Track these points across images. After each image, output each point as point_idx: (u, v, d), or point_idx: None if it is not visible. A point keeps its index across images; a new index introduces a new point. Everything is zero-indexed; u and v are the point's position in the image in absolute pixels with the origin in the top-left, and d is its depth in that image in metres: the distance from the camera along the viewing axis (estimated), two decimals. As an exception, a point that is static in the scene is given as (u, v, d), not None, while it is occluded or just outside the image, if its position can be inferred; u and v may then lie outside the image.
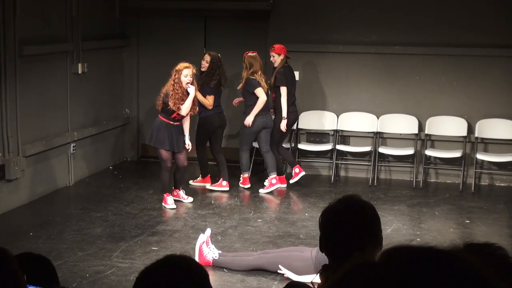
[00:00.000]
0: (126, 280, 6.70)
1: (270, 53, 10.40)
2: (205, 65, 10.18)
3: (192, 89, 9.28)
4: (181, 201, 9.57)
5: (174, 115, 9.27)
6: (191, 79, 9.30)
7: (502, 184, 10.76)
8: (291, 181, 10.49)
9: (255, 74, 10.01)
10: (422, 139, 10.89)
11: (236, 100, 10.62)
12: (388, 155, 11.03)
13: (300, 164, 10.69)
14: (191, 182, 10.55)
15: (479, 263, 0.99)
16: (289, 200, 9.80)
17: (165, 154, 9.27)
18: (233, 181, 10.42)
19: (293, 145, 11.19)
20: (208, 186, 10.36)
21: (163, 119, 9.30)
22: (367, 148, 10.96)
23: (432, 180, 11.02)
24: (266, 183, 10.32)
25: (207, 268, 6.90)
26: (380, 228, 3.02)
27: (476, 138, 10.66)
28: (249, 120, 10.00)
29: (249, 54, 10.13)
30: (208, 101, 10.04)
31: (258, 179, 10.85)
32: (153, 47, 12.14)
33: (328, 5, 11.12)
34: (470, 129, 10.71)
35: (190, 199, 9.63)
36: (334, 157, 11.04)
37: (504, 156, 10.48)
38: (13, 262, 2.44)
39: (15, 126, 8.96)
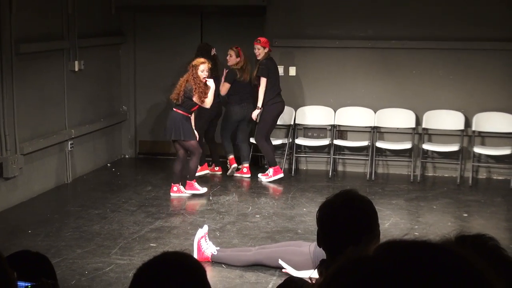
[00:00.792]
0: (125, 277, 6.71)
1: (255, 45, 10.50)
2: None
3: (211, 82, 9.65)
4: (181, 195, 9.69)
5: (195, 108, 9.65)
6: (208, 73, 9.61)
7: (500, 178, 10.78)
8: (263, 178, 10.58)
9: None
10: (420, 133, 10.90)
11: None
12: (386, 149, 11.04)
13: (287, 162, 10.71)
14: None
15: (473, 257, 0.99)
16: (287, 195, 9.81)
17: (195, 143, 9.65)
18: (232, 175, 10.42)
19: (290, 140, 11.20)
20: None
21: (183, 112, 9.55)
22: (365, 143, 10.96)
23: (430, 174, 11.03)
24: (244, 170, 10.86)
25: (205, 264, 6.94)
26: (378, 222, 3.03)
27: (473, 131, 10.67)
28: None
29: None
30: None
31: (256, 176, 10.86)
32: (150, 44, 12.14)
33: (324, 0, 11.11)
34: (467, 123, 10.72)
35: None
36: (331, 152, 11.05)
37: (502, 149, 10.49)
38: (1, 261, 2.44)
39: (12, 124, 8.95)
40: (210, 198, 9.65)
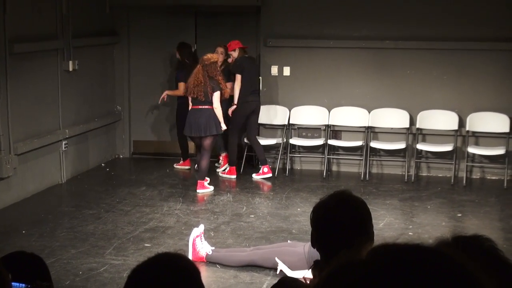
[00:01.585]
0: (119, 277, 6.70)
1: (229, 53, 10.77)
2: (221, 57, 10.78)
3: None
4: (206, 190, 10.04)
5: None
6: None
7: (494, 178, 10.80)
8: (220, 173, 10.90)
9: None
10: (414, 133, 10.91)
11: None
12: (380, 149, 11.05)
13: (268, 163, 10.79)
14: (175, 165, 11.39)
15: (466, 260, 1.00)
16: (281, 195, 9.81)
17: (212, 141, 10.01)
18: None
19: (284, 140, 11.20)
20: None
21: (211, 107, 9.77)
22: (359, 143, 10.98)
23: (424, 174, 11.05)
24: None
25: (200, 264, 6.95)
26: (372, 223, 3.04)
27: (467, 131, 10.69)
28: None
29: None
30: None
31: (250, 176, 10.88)
32: (144, 44, 12.13)
33: (318, 0, 11.12)
34: (461, 123, 10.74)
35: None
36: (326, 152, 11.06)
37: (495, 149, 10.51)
38: None
39: (6, 124, 8.94)
40: (205, 198, 9.65)
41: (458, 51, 10.75)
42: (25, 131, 9.41)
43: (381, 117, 10.98)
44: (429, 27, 10.79)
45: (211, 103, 9.74)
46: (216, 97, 9.75)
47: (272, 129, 11.43)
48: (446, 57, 10.81)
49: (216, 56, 10.04)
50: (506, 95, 10.65)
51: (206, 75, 9.70)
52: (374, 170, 11.19)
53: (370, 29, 11.01)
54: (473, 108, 10.70)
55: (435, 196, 9.81)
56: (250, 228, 8.34)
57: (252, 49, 11.67)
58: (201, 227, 7.39)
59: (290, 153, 11.25)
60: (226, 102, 10.46)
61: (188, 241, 7.27)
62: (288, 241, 7.44)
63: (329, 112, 11.12)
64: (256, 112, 10.85)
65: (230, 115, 10.67)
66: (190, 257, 7.00)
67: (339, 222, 2.92)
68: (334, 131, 11.25)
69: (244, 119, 10.75)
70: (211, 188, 10.02)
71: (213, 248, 7.27)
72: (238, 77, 10.56)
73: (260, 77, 11.42)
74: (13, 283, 2.54)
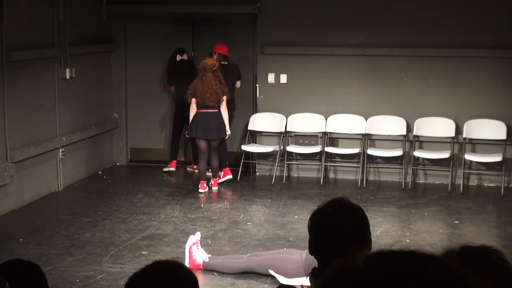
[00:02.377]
0: (116, 285, 6.69)
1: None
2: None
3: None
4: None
5: None
6: None
7: (491, 185, 10.81)
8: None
9: None
10: (411, 140, 10.92)
11: None
12: (377, 156, 11.06)
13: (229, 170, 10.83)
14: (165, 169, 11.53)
15: (461, 267, 1.00)
16: (278, 202, 9.81)
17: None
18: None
19: (281, 147, 11.21)
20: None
21: (219, 111, 10.19)
22: (356, 150, 10.98)
23: (421, 181, 11.05)
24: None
25: (197, 271, 6.94)
26: (369, 230, 3.03)
27: (464, 138, 10.70)
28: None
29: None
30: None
31: (247, 183, 10.88)
32: (141, 52, 12.13)
33: (315, 8, 11.14)
34: (458, 130, 10.75)
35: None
36: (323, 159, 11.06)
37: (492, 156, 10.52)
38: None
39: (3, 131, 8.93)
40: (202, 205, 9.64)
41: (454, 58, 10.77)
42: (22, 139, 9.40)
43: (378, 124, 10.99)
44: (425, 34, 10.81)
45: (218, 107, 10.12)
46: (225, 100, 10.19)
47: (269, 136, 11.43)
48: (442, 64, 10.83)
49: (217, 62, 10.31)
50: (503, 102, 10.67)
51: (218, 80, 10.05)
52: (371, 177, 11.19)
53: (367, 37, 11.03)
54: (470, 115, 10.72)
55: (432, 203, 9.81)
56: (247, 235, 8.33)
57: (249, 57, 11.70)
58: (198, 235, 7.38)
59: (287, 161, 11.26)
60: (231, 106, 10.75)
61: (185, 248, 7.26)
62: (285, 249, 7.44)
63: (326, 119, 11.13)
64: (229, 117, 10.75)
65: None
66: (186, 264, 6.99)
67: (336, 230, 2.92)
68: (331, 139, 11.25)
69: None
70: (228, 176, 10.72)
71: (210, 255, 7.26)
72: None
73: (257, 85, 11.44)
74: None
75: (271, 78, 11.37)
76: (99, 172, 11.57)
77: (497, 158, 10.44)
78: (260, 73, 11.42)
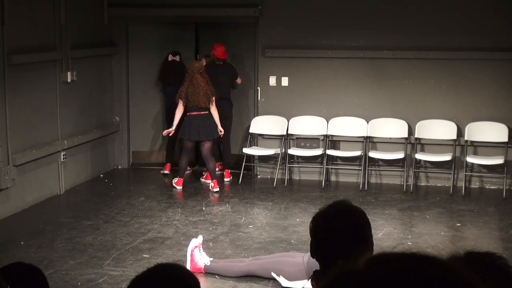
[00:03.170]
0: (118, 288, 6.69)
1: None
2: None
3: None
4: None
5: None
6: None
7: (492, 187, 10.80)
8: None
9: None
10: (412, 143, 10.92)
11: None
12: (378, 159, 11.06)
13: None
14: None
15: (465, 270, 0.99)
16: (280, 205, 9.80)
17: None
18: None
19: (283, 150, 11.20)
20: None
21: (210, 112, 10.45)
22: (357, 153, 10.97)
23: (423, 184, 11.05)
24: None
25: (199, 275, 6.94)
26: (371, 233, 3.03)
27: (466, 141, 10.69)
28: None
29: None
30: None
31: (248, 186, 10.89)
32: (142, 55, 12.14)
33: (316, 11, 11.14)
34: (460, 132, 10.74)
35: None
36: (324, 162, 11.05)
37: (494, 158, 10.51)
38: None
39: (4, 135, 8.94)
40: (203, 208, 9.64)
41: (456, 61, 10.77)
42: (23, 142, 9.40)
43: (379, 127, 10.99)
44: (427, 37, 10.81)
45: (208, 109, 10.34)
46: (214, 101, 10.43)
47: (270, 139, 11.43)
48: (444, 67, 10.83)
49: (202, 64, 10.77)
50: (505, 104, 10.67)
51: (206, 82, 10.26)
52: (373, 180, 11.18)
53: (368, 39, 11.03)
54: (472, 118, 10.71)
55: (434, 206, 9.80)
56: (249, 238, 8.33)
57: (251, 59, 11.70)
58: (200, 238, 7.38)
59: (288, 163, 11.25)
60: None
61: (186, 252, 7.25)
62: (286, 252, 7.43)
63: (328, 122, 11.13)
64: (224, 116, 11.01)
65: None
66: (188, 268, 6.99)
67: (338, 232, 2.92)
68: (332, 141, 11.25)
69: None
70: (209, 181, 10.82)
71: (212, 259, 7.25)
72: None
73: (259, 88, 11.45)
74: None
75: (272, 81, 11.37)
76: (101, 175, 11.57)
77: (499, 160, 10.43)
78: (262, 76, 11.43)
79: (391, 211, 9.50)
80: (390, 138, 11.01)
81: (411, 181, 10.77)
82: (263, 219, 9.20)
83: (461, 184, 10.61)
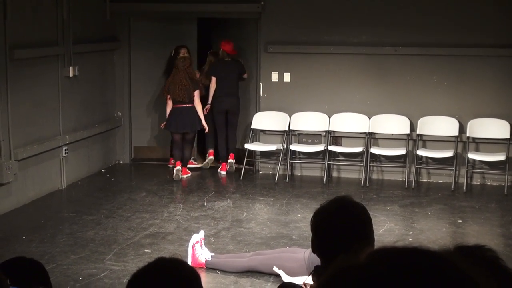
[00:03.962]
0: (119, 282, 6.70)
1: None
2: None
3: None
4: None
5: None
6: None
7: (494, 184, 10.79)
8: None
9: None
10: (414, 139, 10.91)
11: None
12: (380, 155, 11.05)
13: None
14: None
15: (465, 264, 1.00)
16: (281, 201, 9.81)
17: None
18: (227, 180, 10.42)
19: (285, 146, 11.20)
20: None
21: (193, 105, 10.93)
22: (359, 149, 10.97)
23: (424, 180, 11.04)
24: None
25: (200, 270, 6.93)
26: (372, 229, 3.03)
27: (468, 137, 10.68)
28: None
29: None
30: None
31: (250, 182, 10.90)
32: (145, 50, 12.13)
33: (318, 7, 11.13)
34: (462, 129, 10.74)
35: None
36: (326, 158, 11.05)
37: (496, 155, 10.51)
38: None
39: (6, 130, 8.94)
40: (205, 204, 9.64)
41: (458, 57, 10.76)
42: (25, 137, 9.41)
43: (381, 123, 10.98)
44: (429, 33, 10.80)
45: (192, 101, 10.81)
46: (197, 95, 10.87)
47: (272, 135, 11.43)
48: (446, 63, 10.82)
49: (188, 60, 10.95)
50: (507, 101, 10.66)
51: (188, 77, 10.69)
52: (375, 176, 11.18)
53: (370, 35, 11.02)
54: (474, 114, 10.70)
55: (435, 202, 9.80)
56: (250, 234, 8.33)
57: (253, 55, 11.70)
58: (201, 233, 7.38)
59: (290, 159, 11.25)
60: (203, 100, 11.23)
61: (188, 247, 7.26)
62: (287, 247, 7.44)
63: (330, 118, 11.13)
64: (232, 113, 11.45)
65: (205, 113, 11.30)
66: (189, 263, 6.99)
67: (339, 228, 2.92)
68: (334, 137, 11.25)
69: (219, 116, 11.48)
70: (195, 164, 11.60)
71: (213, 254, 7.26)
72: (213, 79, 11.35)
73: (261, 83, 11.44)
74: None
75: (274, 76, 11.37)
76: (103, 170, 11.57)
77: (501, 157, 10.43)
78: (264, 71, 11.42)
79: (392, 207, 9.51)
80: (392, 134, 11.01)
81: (412, 177, 10.76)
82: (265, 215, 9.20)
83: (463, 180, 10.60)
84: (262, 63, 11.43)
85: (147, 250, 7.67)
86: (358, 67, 11.12)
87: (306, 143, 11.35)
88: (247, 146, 11.13)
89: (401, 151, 10.80)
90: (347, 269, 1.00)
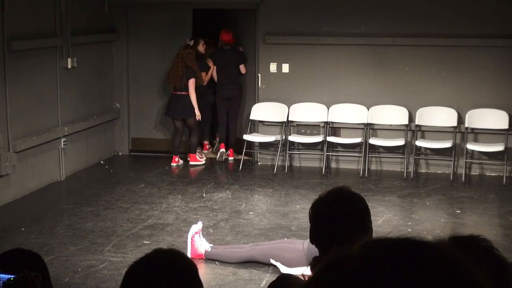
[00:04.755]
0: (118, 274, 6.70)
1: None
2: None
3: None
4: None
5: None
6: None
7: (492, 174, 10.80)
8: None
9: None
10: (413, 130, 10.91)
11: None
12: (379, 146, 11.06)
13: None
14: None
15: (459, 254, 1.00)
16: (280, 192, 9.81)
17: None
18: (228, 174, 10.41)
19: (283, 137, 11.20)
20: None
21: (188, 93, 11.14)
22: (358, 140, 10.97)
23: (423, 171, 11.05)
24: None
25: (199, 261, 6.96)
26: (370, 219, 3.03)
27: (466, 128, 10.68)
28: None
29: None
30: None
31: (249, 173, 10.90)
32: (143, 41, 12.12)
33: (317, -3, 11.12)
34: (460, 119, 10.74)
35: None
36: (325, 149, 11.05)
37: (494, 145, 10.52)
38: None
39: (5, 121, 8.94)
40: (204, 195, 9.65)
41: (457, 48, 10.75)
42: (24, 129, 9.40)
43: (380, 114, 10.98)
44: (428, 24, 10.79)
45: (187, 89, 11.00)
46: (191, 83, 11.01)
47: (271, 126, 11.43)
48: (445, 54, 10.81)
49: (190, 49, 11.09)
50: (505, 91, 10.66)
51: (184, 65, 10.97)
52: (373, 167, 11.19)
53: (369, 26, 11.01)
54: (472, 105, 10.70)
55: (434, 193, 9.81)
56: (249, 225, 8.34)
57: (251, 45, 11.69)
58: (200, 224, 7.39)
59: (289, 150, 11.26)
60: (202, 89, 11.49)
61: (187, 238, 7.27)
62: (285, 239, 7.45)
63: (328, 109, 11.12)
64: (234, 99, 11.74)
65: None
66: (188, 254, 7.01)
67: (337, 218, 2.92)
68: (333, 128, 11.25)
69: (222, 104, 11.75)
70: (203, 161, 11.48)
71: (212, 245, 7.27)
72: (213, 68, 11.73)
73: (259, 74, 11.43)
74: (1, 275, 2.55)
75: (273, 67, 11.36)
76: (101, 162, 11.58)
77: (499, 147, 10.43)
78: (262, 62, 11.41)
79: (391, 198, 9.51)
80: (391, 125, 11.01)
81: (411, 168, 10.77)
82: (264, 206, 9.21)
83: (461, 171, 10.61)
84: (261, 54, 11.42)
85: (146, 242, 7.68)
86: (357, 58, 11.11)
87: (305, 134, 11.35)
88: (246, 137, 11.13)
89: (400, 142, 10.80)
90: (340, 260, 1.00)
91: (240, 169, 11.01)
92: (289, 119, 11.24)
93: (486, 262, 1.77)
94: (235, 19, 12.20)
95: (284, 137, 11.23)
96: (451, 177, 10.54)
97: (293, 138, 11.20)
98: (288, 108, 11.22)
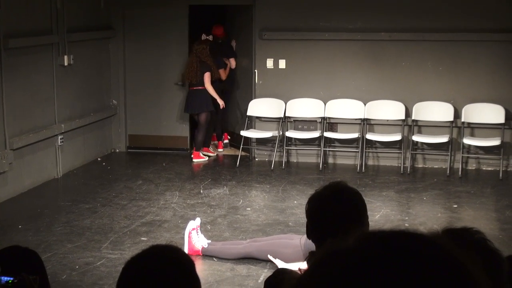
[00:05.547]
0: (116, 271, 6.70)
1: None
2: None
3: None
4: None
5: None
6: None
7: (489, 168, 10.82)
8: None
9: None
10: (409, 124, 10.92)
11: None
12: (376, 141, 11.07)
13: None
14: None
15: (452, 246, 1.00)
16: (277, 188, 9.82)
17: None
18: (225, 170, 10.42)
19: (281, 132, 11.21)
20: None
21: (204, 88, 11.32)
22: (355, 135, 10.98)
23: (420, 166, 11.06)
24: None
25: (196, 257, 6.95)
26: (367, 214, 3.04)
27: (463, 123, 10.70)
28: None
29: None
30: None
31: (246, 169, 10.90)
32: (139, 38, 12.09)
33: (313, -7, 11.11)
34: (457, 114, 10.75)
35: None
36: (322, 144, 11.06)
37: (491, 140, 10.53)
38: None
39: (1, 119, 8.93)
40: (201, 191, 9.65)
41: (453, 43, 10.76)
42: (20, 126, 9.40)
43: (376, 109, 10.99)
44: (424, 18, 10.79)
45: (202, 84, 11.16)
46: (207, 77, 11.17)
47: (268, 122, 11.43)
48: (441, 49, 10.81)
49: (204, 44, 11.28)
50: (501, 86, 10.67)
51: (199, 61, 11.11)
52: (370, 162, 11.20)
53: (365, 21, 11.01)
54: (469, 99, 10.71)
55: (431, 188, 9.82)
56: (247, 221, 8.34)
57: (248, 41, 11.69)
58: (197, 220, 7.39)
59: (286, 146, 11.26)
60: (216, 83, 11.55)
61: (184, 234, 7.27)
62: (282, 235, 7.45)
63: (325, 104, 11.13)
64: (225, 91, 12.03)
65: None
66: (186, 250, 7.01)
67: (333, 213, 2.92)
68: (330, 124, 11.25)
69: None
70: (206, 158, 11.56)
71: (209, 241, 7.27)
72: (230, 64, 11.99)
73: (256, 70, 11.43)
74: (1, 277, 2.56)
75: (269, 63, 11.36)
76: (98, 159, 11.57)
77: (496, 142, 10.45)
78: (259, 58, 11.41)
79: (388, 193, 9.52)
80: (387, 120, 11.02)
81: (408, 163, 10.78)
82: (261, 202, 9.22)
83: (458, 165, 10.62)
84: (257, 50, 11.41)
85: (143, 238, 7.68)
86: (353, 53, 11.11)
87: (302, 129, 11.36)
88: (243, 133, 11.13)
89: (397, 137, 10.81)
90: (334, 252, 1.00)
91: (237, 165, 11.01)
92: (286, 114, 11.24)
93: (479, 253, 1.78)
94: (232, 15, 12.20)
95: (281, 133, 11.23)
96: (448, 172, 10.55)
97: (290, 133, 11.20)
98: (285, 104, 11.22)
